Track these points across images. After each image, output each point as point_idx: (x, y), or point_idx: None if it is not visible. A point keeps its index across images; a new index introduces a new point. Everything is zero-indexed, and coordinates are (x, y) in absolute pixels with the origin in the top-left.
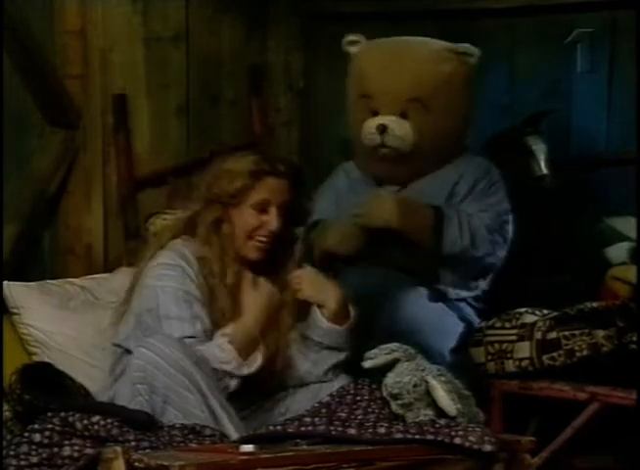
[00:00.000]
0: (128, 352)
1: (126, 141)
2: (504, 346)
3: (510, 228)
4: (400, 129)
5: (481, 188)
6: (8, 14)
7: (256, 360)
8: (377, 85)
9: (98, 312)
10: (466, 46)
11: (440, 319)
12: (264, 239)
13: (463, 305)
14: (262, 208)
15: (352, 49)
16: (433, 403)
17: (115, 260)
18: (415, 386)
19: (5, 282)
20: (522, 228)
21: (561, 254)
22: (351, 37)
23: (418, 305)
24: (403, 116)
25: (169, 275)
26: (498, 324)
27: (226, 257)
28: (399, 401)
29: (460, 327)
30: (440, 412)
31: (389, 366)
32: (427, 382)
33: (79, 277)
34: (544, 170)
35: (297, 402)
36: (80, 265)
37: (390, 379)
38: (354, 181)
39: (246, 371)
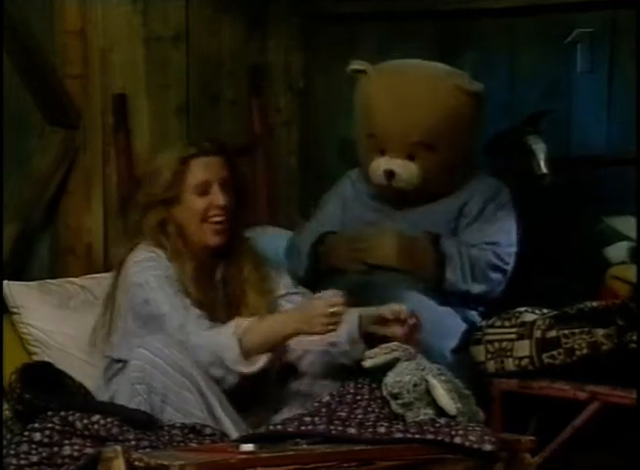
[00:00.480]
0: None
1: (126, 141)
2: (504, 344)
3: (512, 261)
4: (407, 173)
5: (491, 210)
6: (8, 14)
7: (258, 362)
8: (384, 127)
9: (98, 312)
10: (475, 85)
11: (444, 320)
12: (218, 218)
13: (466, 307)
14: (204, 190)
15: (359, 78)
16: (433, 403)
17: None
18: (415, 385)
19: (5, 282)
20: (521, 228)
21: (561, 253)
22: (357, 66)
23: (422, 306)
24: (410, 157)
25: (149, 266)
26: (498, 323)
27: (180, 255)
28: (399, 401)
29: (462, 327)
30: (440, 411)
31: (390, 366)
32: (427, 381)
33: (79, 277)
34: (544, 170)
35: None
36: (80, 265)
37: (391, 378)
38: (360, 191)
39: (245, 370)
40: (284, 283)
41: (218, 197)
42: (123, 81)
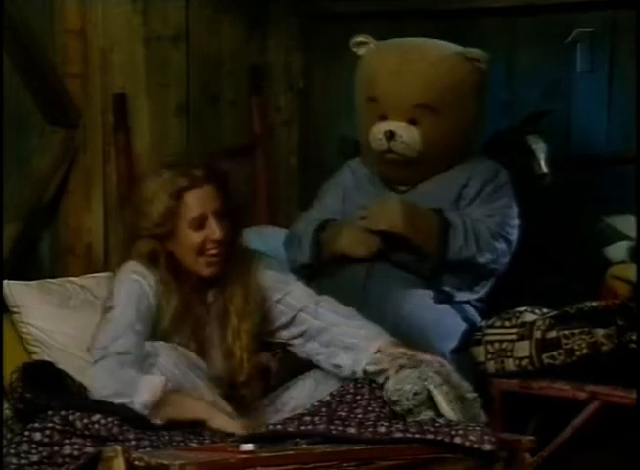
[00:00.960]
0: None
1: (126, 141)
2: (504, 345)
3: (515, 233)
4: (408, 136)
5: (489, 191)
6: (8, 13)
7: (156, 420)
8: (385, 90)
9: (98, 312)
10: (476, 51)
11: (444, 320)
12: (214, 251)
13: (466, 306)
14: (199, 223)
15: (360, 50)
16: (433, 407)
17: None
18: (416, 393)
19: (5, 281)
20: (522, 227)
21: (561, 253)
22: (360, 38)
23: (422, 305)
24: (412, 122)
25: (135, 276)
26: (498, 323)
27: (167, 284)
28: (398, 408)
29: (462, 327)
30: (440, 414)
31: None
32: (428, 391)
33: (79, 276)
34: (544, 169)
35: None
36: (80, 265)
37: (392, 385)
38: (361, 179)
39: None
40: (277, 287)
41: (215, 230)
42: (123, 81)
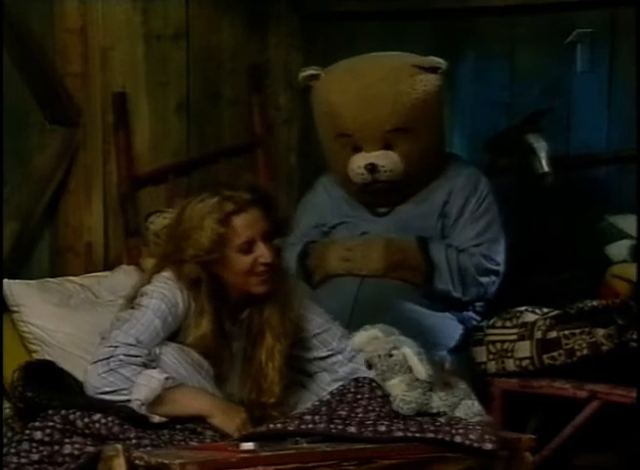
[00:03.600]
0: None
1: (126, 139)
2: (505, 345)
3: (502, 255)
4: (389, 163)
5: (473, 206)
6: (8, 12)
7: (154, 418)
8: (354, 123)
9: (98, 311)
10: (429, 60)
11: (441, 324)
12: (264, 270)
13: (463, 311)
14: (248, 248)
15: (312, 83)
16: (409, 371)
17: (116, 259)
18: (391, 356)
19: (5, 280)
20: (522, 226)
21: (561, 252)
22: (309, 71)
23: (418, 311)
24: (388, 147)
25: (174, 286)
26: (499, 323)
27: (202, 307)
28: (373, 372)
29: (459, 329)
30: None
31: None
32: (403, 353)
33: (79, 275)
34: (545, 168)
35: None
36: (80, 263)
37: (367, 348)
38: (336, 199)
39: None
40: (317, 322)
41: (264, 253)
42: (123, 79)
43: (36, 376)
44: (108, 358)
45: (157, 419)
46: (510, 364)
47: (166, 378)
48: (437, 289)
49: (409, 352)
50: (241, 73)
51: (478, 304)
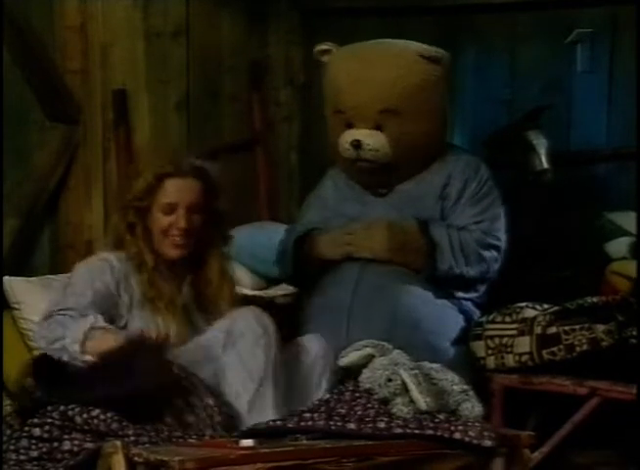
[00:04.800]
0: None
1: (126, 136)
2: (504, 340)
3: (504, 234)
4: (375, 142)
5: (473, 190)
6: (8, 9)
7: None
8: (348, 99)
9: None
10: (433, 50)
11: (441, 314)
12: (177, 237)
13: (464, 300)
14: (170, 210)
15: (324, 58)
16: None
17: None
18: (390, 380)
19: (6, 277)
20: (522, 223)
21: (561, 248)
22: (322, 46)
23: (418, 299)
24: (378, 127)
25: (97, 260)
26: (498, 319)
27: (141, 255)
28: (375, 397)
29: (460, 321)
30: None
31: (367, 363)
32: (401, 376)
33: None
34: (545, 165)
35: None
36: (80, 261)
37: (364, 374)
38: (341, 187)
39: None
40: None
41: (180, 220)
42: (123, 77)
43: (43, 374)
44: (46, 318)
45: (87, 358)
46: (509, 360)
47: (96, 318)
48: (440, 269)
49: (407, 379)
50: (241, 70)
51: (480, 288)
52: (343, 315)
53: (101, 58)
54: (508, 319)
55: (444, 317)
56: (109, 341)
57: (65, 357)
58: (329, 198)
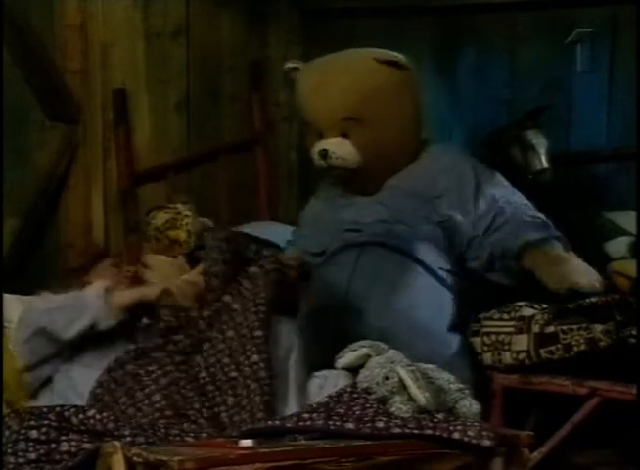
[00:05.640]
0: None
1: (126, 136)
2: (501, 337)
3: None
4: (341, 150)
5: (467, 204)
6: (8, 9)
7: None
8: (313, 110)
9: None
10: (388, 54)
11: (437, 299)
12: None
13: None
14: None
15: (293, 75)
16: (410, 396)
17: (116, 255)
18: (387, 378)
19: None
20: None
21: None
22: (290, 64)
23: (414, 284)
24: (344, 135)
25: None
26: (496, 316)
27: None
28: (373, 396)
29: (457, 306)
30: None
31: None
32: (398, 374)
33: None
34: (545, 165)
35: None
36: (80, 260)
37: (361, 374)
38: (332, 195)
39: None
40: None
41: None
42: (123, 76)
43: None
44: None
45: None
46: (507, 357)
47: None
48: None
49: (405, 376)
50: (241, 70)
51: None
52: (343, 289)
53: (101, 58)
54: (506, 317)
55: (442, 303)
56: (133, 293)
57: (85, 317)
58: (321, 210)
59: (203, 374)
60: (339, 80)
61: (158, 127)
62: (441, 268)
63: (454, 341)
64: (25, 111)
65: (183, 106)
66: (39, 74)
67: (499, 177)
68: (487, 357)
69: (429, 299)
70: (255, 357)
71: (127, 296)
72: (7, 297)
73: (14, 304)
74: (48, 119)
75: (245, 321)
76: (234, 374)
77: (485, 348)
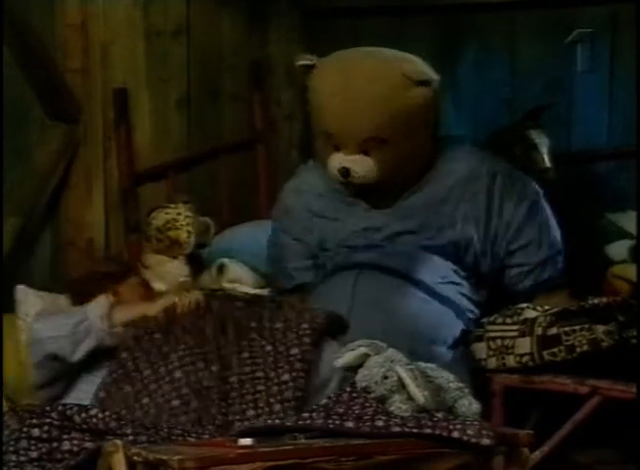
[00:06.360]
0: None
1: (127, 135)
2: (505, 342)
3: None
4: (362, 168)
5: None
6: (9, 7)
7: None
8: (335, 124)
9: None
10: (423, 73)
11: (438, 318)
12: None
13: (462, 301)
14: None
15: (308, 73)
16: (409, 395)
17: (116, 254)
18: (386, 378)
19: (20, 286)
20: None
21: (562, 249)
22: (303, 61)
23: (413, 306)
24: (365, 152)
25: None
26: (500, 320)
27: None
28: (372, 395)
29: (459, 323)
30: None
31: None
32: (397, 373)
33: (80, 271)
34: (547, 164)
35: None
36: (81, 259)
37: (360, 373)
38: (329, 191)
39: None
40: None
41: None
42: (124, 75)
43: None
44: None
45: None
46: (510, 360)
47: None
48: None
49: (404, 374)
50: (241, 69)
51: (480, 293)
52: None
53: (101, 56)
54: (509, 320)
55: (444, 322)
56: (137, 309)
57: (90, 339)
58: (316, 211)
59: (233, 379)
60: (367, 96)
61: (158, 126)
62: (446, 282)
63: (454, 355)
64: (26, 110)
65: (184, 105)
66: (40, 73)
67: (519, 187)
68: (492, 362)
69: (431, 321)
70: (286, 376)
71: (129, 313)
72: (25, 290)
73: (32, 298)
74: (48, 118)
75: (284, 338)
76: (261, 388)
77: (491, 353)
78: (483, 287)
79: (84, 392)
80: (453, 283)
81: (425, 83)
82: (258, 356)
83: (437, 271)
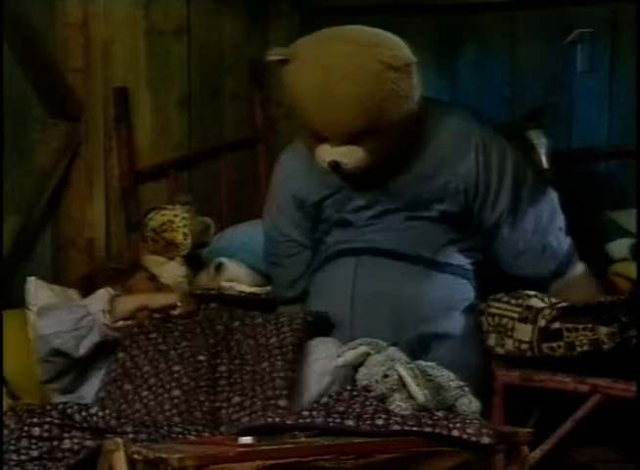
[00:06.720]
0: None
1: (128, 134)
2: (504, 321)
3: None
4: (353, 160)
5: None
6: (9, 6)
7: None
8: (318, 122)
9: None
10: (400, 58)
11: (449, 288)
12: None
13: (465, 282)
14: None
15: (281, 68)
16: (409, 394)
17: (117, 253)
18: (386, 376)
19: (31, 278)
20: None
21: None
22: (274, 57)
23: (418, 287)
24: (353, 142)
25: None
26: (504, 299)
27: None
28: (372, 394)
29: (470, 286)
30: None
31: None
32: (397, 371)
33: (81, 271)
34: (545, 165)
35: None
36: (82, 258)
37: (361, 372)
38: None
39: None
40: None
41: None
42: (125, 74)
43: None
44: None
45: (120, 324)
46: (509, 344)
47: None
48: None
49: (404, 373)
50: (242, 68)
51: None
52: (346, 308)
53: (102, 55)
54: (513, 301)
55: (448, 303)
56: (138, 299)
57: (94, 334)
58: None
59: (223, 368)
60: (345, 91)
61: (159, 125)
62: (444, 250)
63: (462, 339)
64: (27, 108)
65: (184, 104)
66: (41, 72)
67: (508, 153)
68: (492, 338)
69: (438, 298)
70: (265, 364)
71: (130, 303)
72: (37, 282)
73: (44, 290)
74: (49, 117)
75: (263, 330)
76: (247, 377)
77: (490, 328)
78: (479, 249)
79: (96, 387)
80: (451, 248)
81: (404, 67)
82: (246, 353)
83: (434, 242)
